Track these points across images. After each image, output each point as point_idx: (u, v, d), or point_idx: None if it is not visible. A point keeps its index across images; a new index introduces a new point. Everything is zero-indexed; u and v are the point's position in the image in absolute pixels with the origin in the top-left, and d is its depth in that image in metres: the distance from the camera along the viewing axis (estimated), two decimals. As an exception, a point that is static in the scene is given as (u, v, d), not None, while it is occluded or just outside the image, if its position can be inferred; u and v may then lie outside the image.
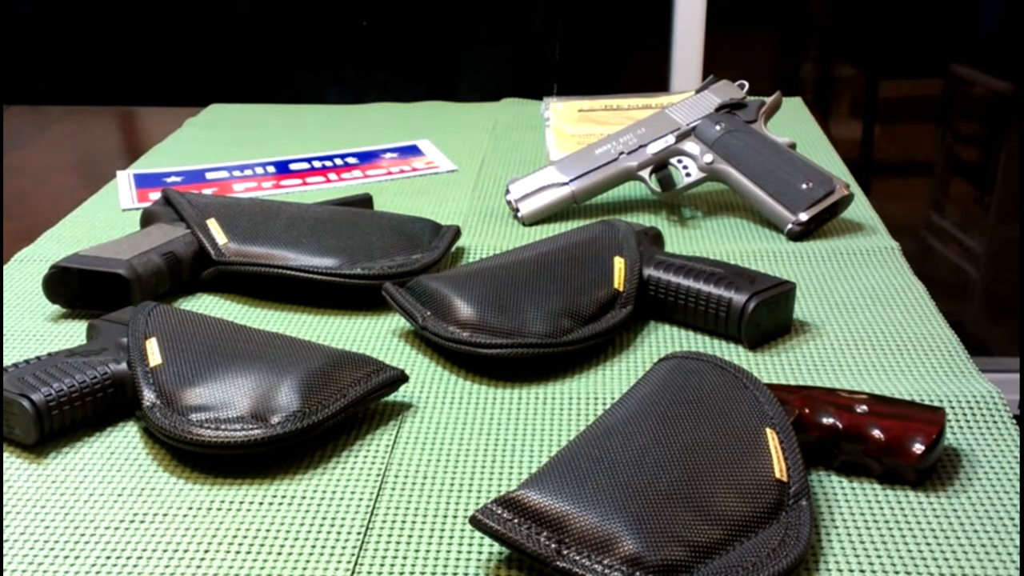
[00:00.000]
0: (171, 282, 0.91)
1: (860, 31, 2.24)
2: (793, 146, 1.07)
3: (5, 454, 0.70)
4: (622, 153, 1.10)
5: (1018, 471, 0.66)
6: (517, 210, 1.09)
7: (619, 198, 1.15)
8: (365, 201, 1.10)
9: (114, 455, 0.70)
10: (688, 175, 1.09)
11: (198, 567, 0.60)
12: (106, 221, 1.12)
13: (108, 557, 0.61)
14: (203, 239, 0.93)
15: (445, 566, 0.60)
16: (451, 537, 0.62)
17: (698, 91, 1.13)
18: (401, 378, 0.75)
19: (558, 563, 0.56)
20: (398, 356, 0.83)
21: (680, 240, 1.04)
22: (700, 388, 0.68)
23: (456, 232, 0.99)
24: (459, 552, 0.61)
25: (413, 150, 1.35)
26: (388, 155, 1.33)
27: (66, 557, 0.61)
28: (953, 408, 0.72)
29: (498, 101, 1.57)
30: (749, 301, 0.81)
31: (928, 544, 0.60)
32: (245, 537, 0.62)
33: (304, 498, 0.66)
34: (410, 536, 0.62)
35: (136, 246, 0.91)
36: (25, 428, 0.69)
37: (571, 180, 1.09)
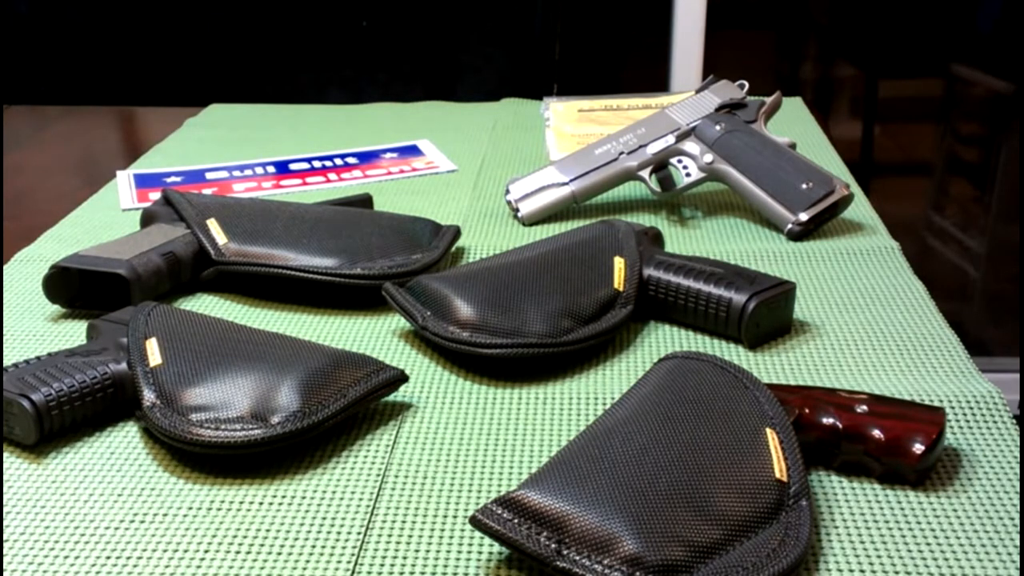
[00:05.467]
0: (171, 282, 0.91)
1: (860, 31, 2.24)
2: (793, 146, 1.07)
3: (5, 454, 0.70)
4: (622, 153, 1.10)
5: (1018, 471, 0.66)
6: (517, 210, 1.09)
7: (619, 198, 1.15)
8: (365, 201, 1.10)
9: (114, 455, 0.70)
10: (688, 175, 1.08)
11: (198, 567, 0.60)
12: (106, 221, 1.12)
13: (108, 557, 0.61)
14: (203, 239, 0.93)
15: (445, 566, 0.60)
16: (451, 537, 0.62)
17: (698, 91, 1.13)
18: (401, 378, 0.75)
19: (558, 563, 0.56)
20: (398, 356, 0.83)
21: (680, 240, 1.04)
22: (700, 388, 0.68)
23: (456, 232, 0.99)
24: (459, 552, 0.61)
25: (413, 150, 1.35)
26: (388, 155, 1.33)
27: (66, 557, 0.61)
28: (953, 408, 0.72)
29: (498, 101, 1.57)
30: (749, 301, 0.81)
31: (928, 544, 0.60)
32: (245, 537, 0.62)
33: (304, 498, 0.66)
34: (410, 536, 0.62)
35: (136, 246, 0.91)
36: (25, 428, 0.69)
37: (571, 180, 1.09)
